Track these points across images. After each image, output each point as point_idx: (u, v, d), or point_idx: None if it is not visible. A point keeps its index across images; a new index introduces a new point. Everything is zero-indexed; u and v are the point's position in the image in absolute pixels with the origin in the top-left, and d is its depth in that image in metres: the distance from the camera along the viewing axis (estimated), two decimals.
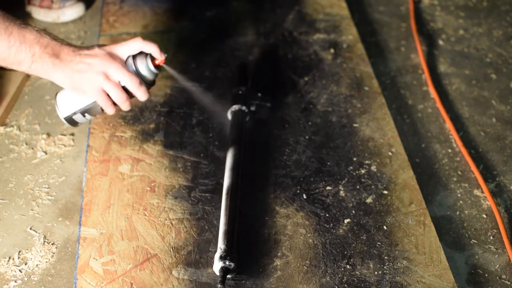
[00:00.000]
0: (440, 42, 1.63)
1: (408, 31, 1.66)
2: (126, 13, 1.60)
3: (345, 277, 0.98)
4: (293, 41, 1.52)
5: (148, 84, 1.03)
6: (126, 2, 1.64)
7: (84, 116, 1.04)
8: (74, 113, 1.03)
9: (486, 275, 1.05)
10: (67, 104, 1.03)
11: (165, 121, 1.27)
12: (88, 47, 1.00)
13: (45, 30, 0.97)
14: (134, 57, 1.01)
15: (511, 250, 1.07)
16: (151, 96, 1.03)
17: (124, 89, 1.00)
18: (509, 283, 1.03)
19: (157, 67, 1.02)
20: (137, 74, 1.00)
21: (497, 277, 1.04)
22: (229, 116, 1.22)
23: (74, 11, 1.63)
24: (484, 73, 1.52)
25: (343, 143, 1.23)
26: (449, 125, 1.34)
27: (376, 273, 0.99)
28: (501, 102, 1.43)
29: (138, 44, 1.00)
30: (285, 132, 1.26)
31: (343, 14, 1.62)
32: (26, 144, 1.27)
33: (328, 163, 1.18)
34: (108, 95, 0.99)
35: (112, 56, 0.98)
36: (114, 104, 1.01)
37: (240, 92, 1.24)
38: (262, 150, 1.21)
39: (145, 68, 1.00)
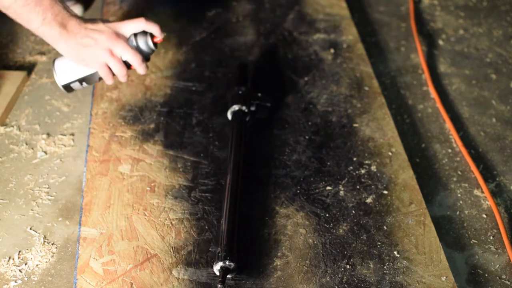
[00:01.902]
0: (440, 42, 1.63)
1: (408, 31, 1.66)
2: (126, 13, 1.60)
3: (345, 277, 0.98)
4: (293, 41, 1.52)
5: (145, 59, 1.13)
6: (126, 2, 1.64)
7: (82, 84, 1.11)
8: (73, 81, 1.10)
9: (486, 275, 1.05)
10: (66, 72, 1.09)
11: (165, 121, 1.27)
12: (93, 21, 1.07)
13: None
14: (135, 35, 1.09)
15: (511, 250, 1.07)
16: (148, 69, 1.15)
17: (125, 63, 1.09)
18: (509, 283, 1.03)
19: (155, 44, 1.11)
20: (138, 50, 1.09)
21: (497, 277, 1.04)
22: (229, 116, 1.22)
23: None
24: (484, 73, 1.52)
25: (343, 143, 1.23)
26: (449, 125, 1.34)
27: (376, 273, 0.99)
28: (501, 102, 1.43)
29: (141, 24, 1.08)
30: (285, 132, 1.26)
31: (343, 14, 1.62)
32: (26, 144, 1.27)
33: (328, 163, 1.18)
34: (109, 68, 1.08)
35: (117, 34, 1.07)
36: (113, 75, 1.11)
37: (240, 92, 1.24)
38: (262, 150, 1.21)
39: (145, 44, 1.09)
